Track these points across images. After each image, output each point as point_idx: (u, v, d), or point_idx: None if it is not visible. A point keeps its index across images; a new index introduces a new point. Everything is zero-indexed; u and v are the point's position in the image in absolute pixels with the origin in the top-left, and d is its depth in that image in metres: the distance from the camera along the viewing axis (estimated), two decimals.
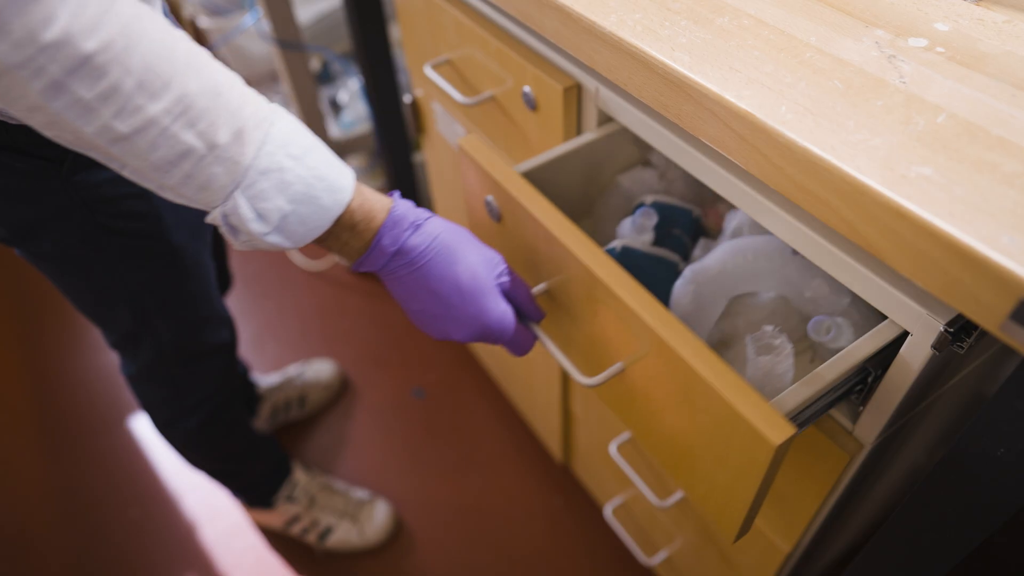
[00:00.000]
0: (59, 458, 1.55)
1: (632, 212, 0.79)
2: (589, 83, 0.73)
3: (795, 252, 0.61)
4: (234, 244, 0.53)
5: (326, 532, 1.36)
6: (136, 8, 0.44)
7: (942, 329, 0.49)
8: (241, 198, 0.49)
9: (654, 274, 0.71)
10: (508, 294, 0.63)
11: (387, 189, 1.69)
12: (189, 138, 0.46)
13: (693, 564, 1.08)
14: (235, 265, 1.20)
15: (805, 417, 0.57)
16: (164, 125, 0.45)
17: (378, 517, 1.38)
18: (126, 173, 0.49)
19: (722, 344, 0.69)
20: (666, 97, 0.56)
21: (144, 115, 0.44)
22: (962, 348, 0.50)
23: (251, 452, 1.25)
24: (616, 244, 0.73)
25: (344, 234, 0.55)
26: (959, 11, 0.55)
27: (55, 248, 0.77)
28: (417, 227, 0.57)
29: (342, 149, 1.80)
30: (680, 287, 0.66)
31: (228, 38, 1.95)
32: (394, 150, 1.50)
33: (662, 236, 0.76)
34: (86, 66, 0.41)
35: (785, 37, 0.54)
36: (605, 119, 0.76)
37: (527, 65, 0.78)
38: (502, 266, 0.63)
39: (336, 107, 1.94)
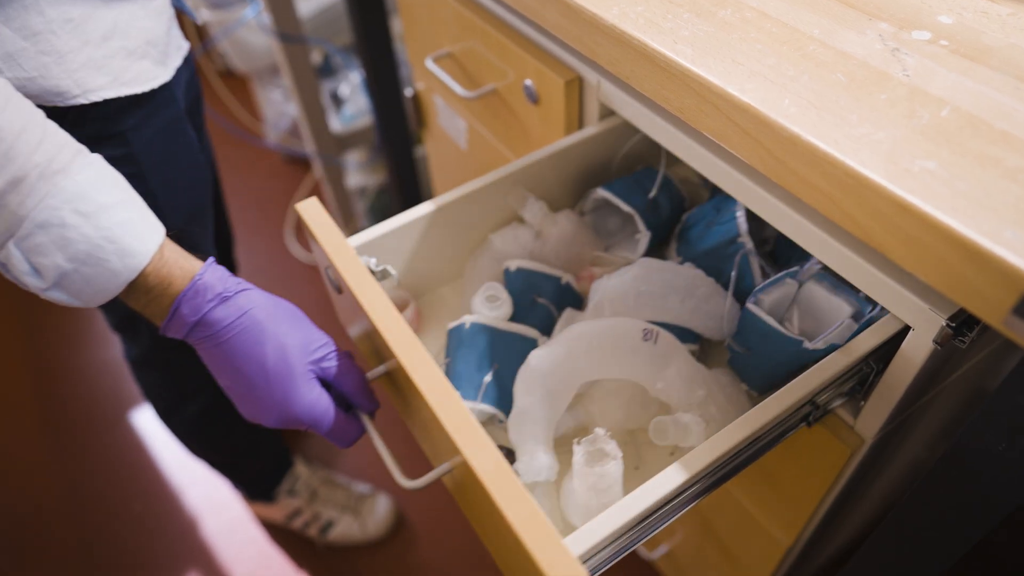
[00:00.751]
0: (61, 453, 1.56)
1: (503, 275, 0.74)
2: (591, 76, 0.73)
3: (646, 338, 0.56)
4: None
5: (328, 526, 1.36)
6: None
7: (944, 323, 0.49)
8: (14, 249, 0.47)
9: (509, 352, 0.65)
10: (332, 380, 0.58)
11: (389, 183, 1.69)
12: None
13: (693, 558, 1.08)
14: (239, 257, 1.21)
15: (625, 543, 0.50)
16: None
17: (379, 511, 1.38)
18: None
19: (579, 432, 0.63)
20: (668, 90, 0.55)
21: None
22: (964, 343, 0.50)
23: (252, 444, 1.25)
24: (466, 320, 0.67)
25: (142, 298, 0.53)
26: (963, 4, 0.55)
27: None
28: (224, 299, 0.54)
29: (343, 143, 1.80)
30: (523, 374, 0.58)
31: (229, 31, 1.95)
32: (395, 144, 1.49)
33: (525, 305, 0.71)
34: None
35: (788, 30, 0.54)
36: (607, 112, 0.76)
37: (528, 58, 0.78)
38: (326, 350, 0.58)
39: (337, 100, 1.94)
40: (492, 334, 0.66)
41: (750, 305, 0.61)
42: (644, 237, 0.74)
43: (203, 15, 1.95)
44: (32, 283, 0.48)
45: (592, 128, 0.76)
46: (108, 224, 0.49)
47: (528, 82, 0.80)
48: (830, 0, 0.57)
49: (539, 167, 0.74)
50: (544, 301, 0.71)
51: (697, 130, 0.57)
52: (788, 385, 0.53)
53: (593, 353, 0.57)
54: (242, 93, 2.41)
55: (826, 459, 0.67)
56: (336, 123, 1.86)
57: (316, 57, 1.98)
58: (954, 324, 0.49)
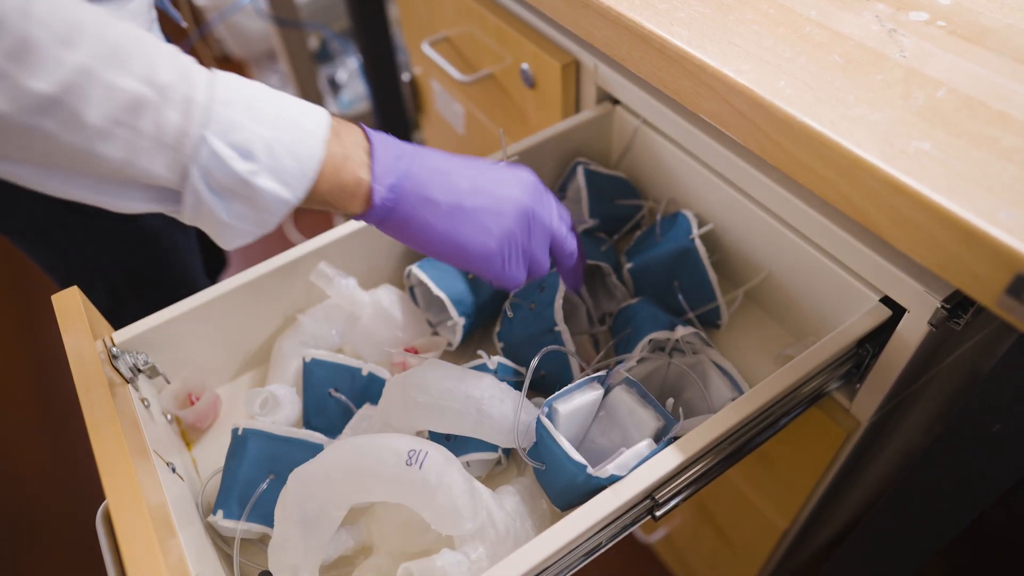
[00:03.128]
0: (59, 436, 1.56)
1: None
2: (588, 60, 0.73)
3: (409, 462, 0.49)
4: (225, 237, 0.45)
5: None
6: None
7: (939, 305, 0.49)
8: (212, 137, 0.41)
9: (289, 461, 0.56)
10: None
11: None
12: (128, 83, 0.38)
13: (691, 542, 1.09)
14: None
15: None
16: (94, 72, 0.37)
17: None
18: (66, 188, 0.42)
19: (361, 553, 0.57)
20: (664, 72, 0.55)
21: (67, 66, 0.37)
22: (959, 325, 0.50)
23: None
24: (240, 425, 0.59)
25: (338, 150, 0.46)
26: None
27: (25, 224, 0.76)
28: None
29: None
30: (281, 497, 0.52)
31: (225, 15, 1.94)
32: (393, 129, 1.49)
33: (321, 401, 0.64)
34: None
35: (785, 11, 0.54)
36: (603, 96, 0.76)
37: (525, 42, 0.77)
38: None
39: (335, 86, 1.93)
40: (268, 441, 0.58)
41: (541, 417, 0.53)
42: (457, 325, 0.66)
43: (200, 0, 1.94)
44: (243, 168, 0.42)
45: (589, 112, 0.75)
46: (275, 93, 0.45)
47: (525, 66, 0.79)
48: None
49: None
50: (341, 396, 0.64)
51: (694, 113, 0.56)
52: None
53: (353, 476, 0.50)
54: None
55: (822, 442, 0.67)
56: (334, 108, 1.85)
57: (313, 42, 1.97)
58: (949, 306, 0.49)
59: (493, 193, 0.51)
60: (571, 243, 0.57)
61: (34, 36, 0.36)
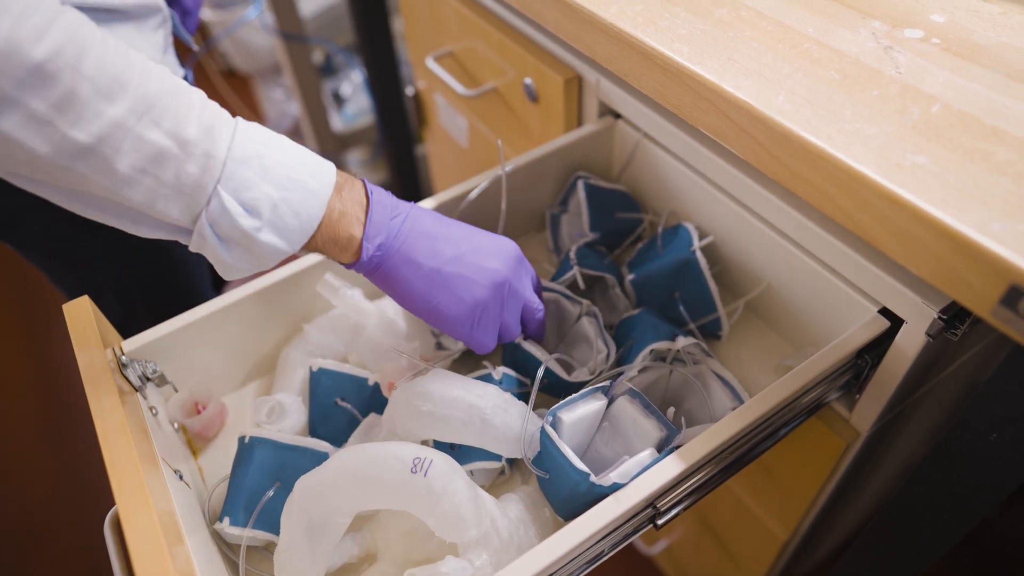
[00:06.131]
0: (63, 444, 1.57)
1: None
2: (590, 75, 0.74)
3: (414, 470, 0.49)
4: (225, 271, 0.50)
5: None
6: (82, 18, 0.42)
7: (936, 316, 0.50)
8: (224, 192, 0.46)
9: (296, 469, 0.57)
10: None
11: (390, 183, 1.70)
12: (156, 137, 0.43)
13: (692, 554, 1.09)
14: None
15: None
16: (128, 127, 0.42)
17: None
18: (90, 212, 0.46)
19: (365, 561, 0.58)
20: (665, 87, 0.56)
21: (105, 119, 0.41)
22: (955, 335, 0.51)
23: None
24: (245, 434, 0.59)
25: (336, 208, 0.51)
26: (955, 2, 0.55)
27: (39, 239, 0.77)
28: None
29: (345, 142, 1.81)
30: (286, 505, 0.53)
31: (231, 30, 1.96)
32: (397, 142, 1.50)
33: (327, 409, 0.64)
34: (36, 75, 0.38)
35: (783, 28, 0.55)
36: (605, 110, 0.77)
37: (528, 57, 0.78)
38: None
39: (339, 100, 1.95)
40: (275, 449, 0.59)
41: (545, 426, 0.54)
42: None
43: (205, 14, 1.96)
44: (247, 224, 0.47)
45: (591, 126, 0.76)
46: (291, 149, 0.49)
47: (528, 80, 0.81)
48: None
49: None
50: (347, 405, 0.64)
51: (694, 127, 0.57)
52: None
53: (357, 484, 0.50)
54: (244, 92, 2.42)
55: (822, 452, 0.68)
56: (338, 122, 1.87)
57: (318, 56, 1.99)
58: (946, 317, 0.50)
59: (473, 263, 0.55)
60: (539, 309, 0.62)
61: (81, 90, 0.40)
